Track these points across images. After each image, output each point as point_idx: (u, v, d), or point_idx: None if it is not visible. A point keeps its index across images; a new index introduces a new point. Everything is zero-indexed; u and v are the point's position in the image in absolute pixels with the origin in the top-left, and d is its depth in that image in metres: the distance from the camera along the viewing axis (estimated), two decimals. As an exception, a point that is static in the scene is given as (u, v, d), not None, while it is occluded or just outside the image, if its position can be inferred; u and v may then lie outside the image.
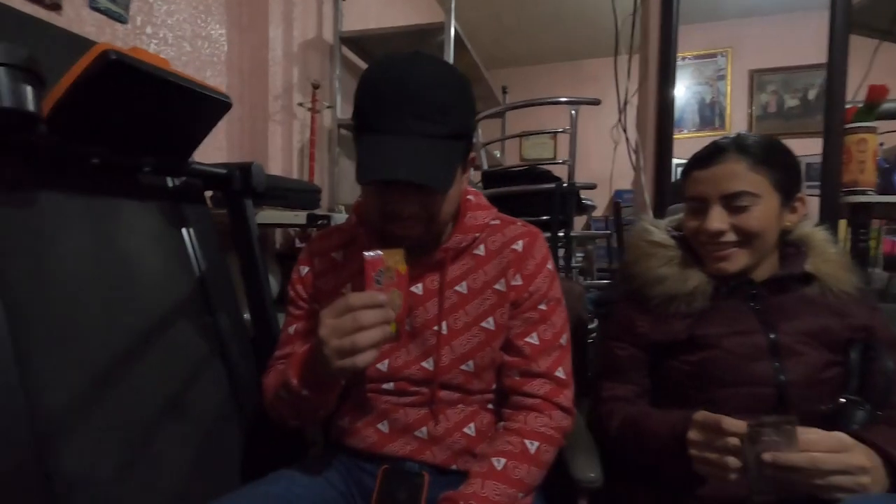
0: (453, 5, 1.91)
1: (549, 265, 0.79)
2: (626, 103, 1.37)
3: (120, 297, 0.87)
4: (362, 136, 0.66)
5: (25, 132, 0.69)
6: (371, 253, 0.61)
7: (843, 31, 0.97)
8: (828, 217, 0.83)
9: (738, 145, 0.75)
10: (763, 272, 0.79)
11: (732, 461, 0.58)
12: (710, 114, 4.16)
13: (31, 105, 0.66)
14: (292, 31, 1.85)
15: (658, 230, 0.86)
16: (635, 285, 0.84)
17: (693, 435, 0.63)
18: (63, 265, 0.79)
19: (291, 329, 0.84)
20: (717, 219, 0.75)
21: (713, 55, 4.13)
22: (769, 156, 0.74)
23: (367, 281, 0.61)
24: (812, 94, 3.90)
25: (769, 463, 0.56)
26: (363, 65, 2.33)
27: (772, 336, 0.73)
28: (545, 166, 1.48)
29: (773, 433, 0.56)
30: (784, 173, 0.75)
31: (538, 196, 1.35)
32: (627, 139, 1.41)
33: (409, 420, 0.75)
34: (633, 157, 1.39)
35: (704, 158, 0.77)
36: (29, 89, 0.66)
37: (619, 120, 1.41)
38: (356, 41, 2.17)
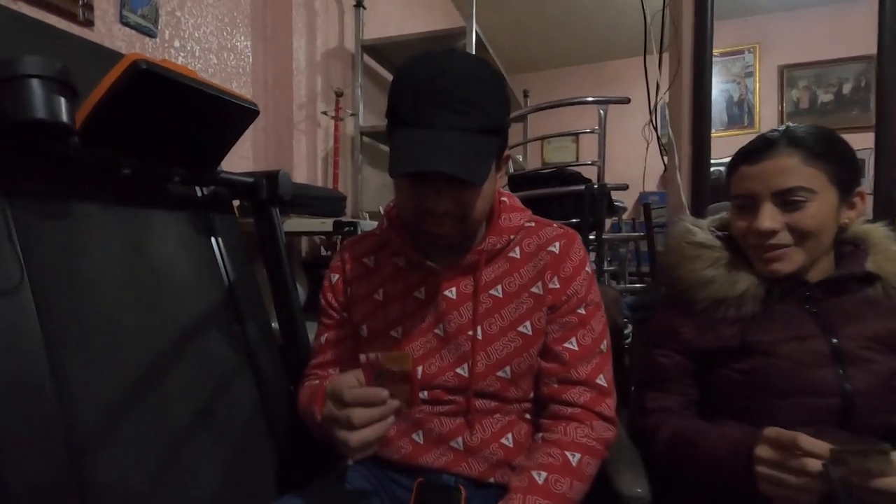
0: (474, 10, 1.90)
1: (588, 268, 0.75)
2: (657, 103, 1.33)
3: (150, 306, 0.87)
4: (396, 130, 0.64)
5: (59, 143, 0.70)
6: (369, 355, 0.58)
7: (893, 14, 0.91)
8: (883, 213, 0.77)
9: (789, 137, 0.70)
10: (818, 273, 0.74)
11: (810, 483, 0.53)
12: (738, 112, 4.05)
13: (64, 116, 0.66)
14: (315, 40, 1.86)
15: (701, 230, 0.82)
16: (678, 289, 0.79)
17: (762, 452, 0.58)
18: (95, 274, 0.80)
19: (323, 338, 0.83)
20: (769, 217, 0.70)
21: (740, 52, 4.02)
22: (824, 147, 0.69)
23: (366, 381, 0.59)
24: (847, 89, 3.75)
25: (859, 487, 0.51)
26: (385, 73, 2.33)
27: (834, 341, 0.68)
28: (574, 168, 1.45)
29: (862, 457, 0.51)
30: (841, 166, 0.70)
31: (568, 198, 1.31)
32: (659, 139, 1.36)
33: (443, 430, 0.72)
34: (667, 156, 1.34)
35: (753, 153, 0.73)
36: (62, 101, 0.66)
37: (651, 120, 1.36)
38: (378, 49, 2.17)
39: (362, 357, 0.58)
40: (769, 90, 3.98)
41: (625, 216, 3.95)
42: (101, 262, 0.81)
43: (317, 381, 0.79)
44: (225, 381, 0.96)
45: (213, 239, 1.05)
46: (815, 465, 0.52)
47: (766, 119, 3.98)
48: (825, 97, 3.84)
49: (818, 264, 0.74)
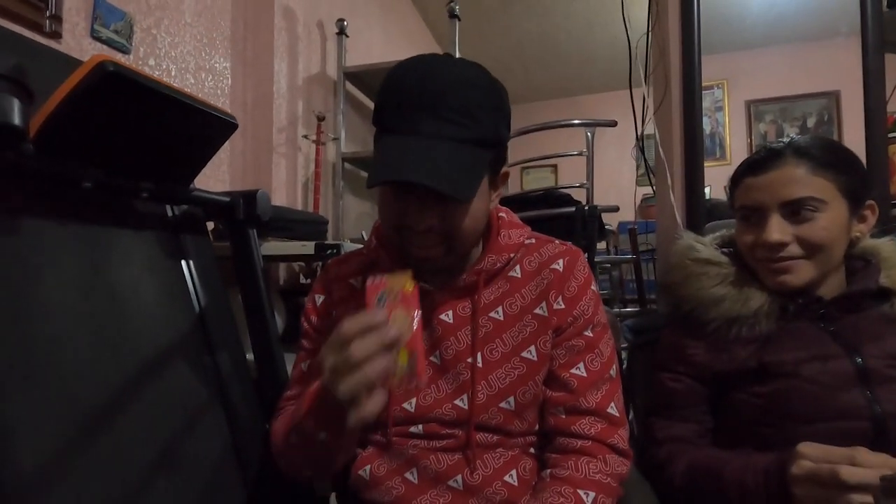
0: (457, 40, 1.91)
1: (593, 286, 0.70)
2: (644, 125, 1.33)
3: (110, 335, 0.78)
4: (380, 139, 0.59)
5: (9, 149, 0.62)
6: (374, 278, 0.53)
7: (877, 39, 0.93)
8: (881, 230, 0.76)
9: (794, 148, 0.68)
10: (829, 289, 0.71)
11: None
12: (710, 144, 4.18)
13: (15, 118, 0.59)
14: (297, 64, 1.83)
15: (706, 247, 0.78)
16: (686, 308, 0.75)
17: (800, 469, 0.52)
18: (46, 300, 0.71)
19: (304, 365, 0.75)
20: (777, 229, 0.67)
21: (710, 87, 4.19)
22: (832, 157, 0.67)
23: (367, 305, 0.52)
24: (811, 122, 3.93)
25: None
26: (367, 100, 2.32)
27: (858, 361, 0.64)
28: (563, 190, 1.43)
29: None
30: (850, 176, 0.68)
31: (558, 221, 1.29)
32: (647, 162, 1.35)
33: (440, 468, 0.65)
34: (655, 179, 1.33)
35: (759, 163, 0.70)
36: (14, 102, 0.59)
37: (638, 143, 1.36)
38: (360, 76, 2.16)
39: (368, 279, 0.53)
40: (738, 124, 4.14)
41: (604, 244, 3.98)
42: (54, 286, 0.72)
43: (294, 409, 0.71)
44: (192, 420, 0.86)
45: (183, 262, 0.97)
46: (863, 499, 0.47)
47: (737, 151, 4.12)
48: (791, 130, 4.01)
49: (829, 280, 0.71)
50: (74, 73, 0.65)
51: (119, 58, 1.22)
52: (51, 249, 0.73)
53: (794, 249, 0.67)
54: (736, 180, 0.74)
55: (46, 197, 0.73)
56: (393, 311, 0.51)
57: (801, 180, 0.66)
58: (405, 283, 0.52)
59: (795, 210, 0.67)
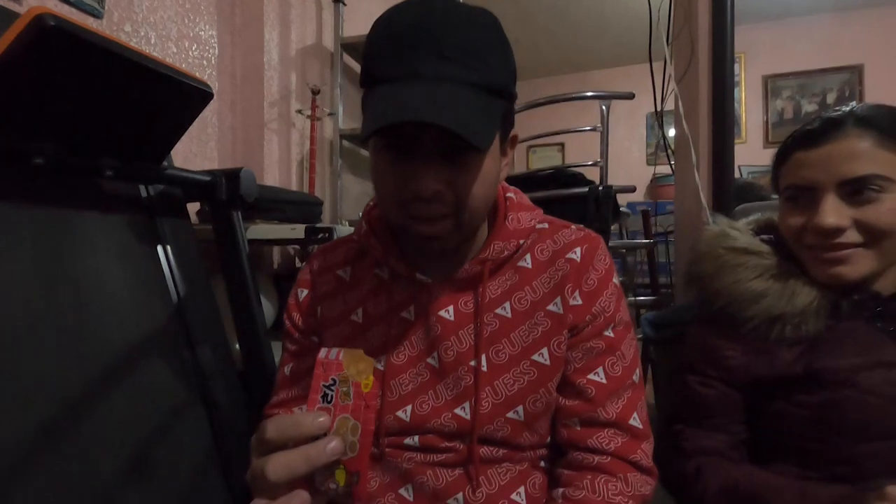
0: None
1: (615, 279, 0.61)
2: (664, 97, 1.22)
3: (73, 330, 0.70)
4: (371, 91, 0.49)
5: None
6: (329, 352, 0.42)
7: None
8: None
9: (857, 117, 0.58)
10: (888, 284, 0.61)
11: None
12: (724, 121, 4.02)
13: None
14: (290, 34, 1.71)
15: (742, 234, 0.69)
16: (719, 304, 0.66)
17: None
18: (-3, 292, 0.63)
19: (287, 369, 0.67)
20: (833, 212, 0.58)
21: (725, 61, 4.00)
22: None
23: (311, 391, 0.41)
24: (831, 98, 3.75)
25: None
26: (366, 73, 2.20)
27: (928, 369, 0.55)
28: (575, 168, 1.32)
29: None
30: None
31: (569, 202, 1.19)
32: (665, 138, 1.24)
33: (439, 484, 0.57)
34: (675, 157, 1.23)
35: (813, 135, 0.60)
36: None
37: (657, 117, 1.25)
38: (359, 48, 2.03)
39: (322, 352, 0.42)
40: (754, 100, 3.98)
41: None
42: (7, 277, 0.64)
43: None
44: (169, 421, 0.79)
45: (159, 247, 0.89)
46: None
47: (753, 128, 3.97)
48: (809, 107, 3.85)
49: (889, 273, 0.61)
50: (9, 29, 0.55)
51: (90, 23, 1.12)
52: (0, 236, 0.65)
53: (852, 236, 0.58)
54: (783, 155, 0.64)
55: (-12, 175, 0.64)
56: (340, 414, 0.40)
57: (865, 154, 0.56)
58: (365, 376, 0.41)
59: (857, 189, 0.57)
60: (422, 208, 0.50)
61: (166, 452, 0.77)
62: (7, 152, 0.62)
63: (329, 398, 0.40)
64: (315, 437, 0.39)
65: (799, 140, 0.62)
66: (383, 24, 0.49)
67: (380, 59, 0.49)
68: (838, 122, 0.58)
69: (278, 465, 0.38)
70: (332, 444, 0.38)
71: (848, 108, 0.60)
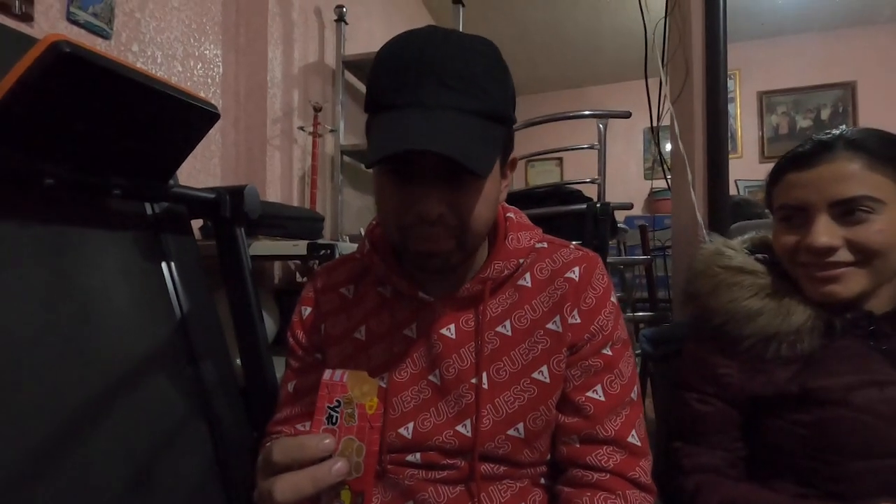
0: (461, 27, 1.82)
1: (613, 297, 0.62)
2: (660, 115, 1.24)
3: (79, 345, 0.71)
4: (375, 118, 0.51)
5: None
6: (333, 373, 0.43)
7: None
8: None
9: (847, 140, 0.60)
10: (881, 303, 0.63)
11: None
12: (720, 136, 4.06)
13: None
14: (292, 52, 1.75)
15: (737, 252, 0.70)
16: (716, 322, 0.67)
17: None
18: (6, 309, 0.64)
19: (290, 386, 0.67)
20: (825, 231, 0.59)
21: (721, 78, 4.06)
22: (891, 151, 0.59)
23: (316, 413, 0.42)
24: (826, 114, 3.80)
25: None
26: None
27: (920, 388, 0.56)
28: (573, 185, 1.34)
29: None
30: None
31: (567, 219, 1.20)
32: (661, 154, 1.27)
33: (440, 502, 0.58)
34: (671, 173, 1.25)
35: (805, 157, 0.62)
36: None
37: (653, 137, 1.27)
38: (360, 65, 2.07)
39: (325, 374, 0.43)
40: (749, 116, 4.02)
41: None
42: (15, 293, 0.65)
43: None
44: (171, 436, 0.79)
45: (164, 264, 0.90)
46: None
47: (748, 143, 4.01)
48: (804, 122, 3.89)
49: (881, 292, 0.63)
50: (26, 55, 0.57)
51: (98, 43, 1.14)
52: (7, 254, 0.66)
53: (845, 255, 0.59)
54: (776, 175, 0.65)
55: (2, 196, 0.66)
56: (344, 436, 0.41)
57: (855, 176, 0.58)
58: (369, 398, 0.42)
59: (848, 210, 0.58)
60: (425, 231, 0.52)
61: (168, 467, 0.77)
62: (19, 172, 0.64)
63: (334, 420, 0.41)
64: (321, 459, 0.40)
65: (791, 162, 0.63)
66: (387, 53, 0.51)
67: (384, 87, 0.50)
68: (829, 145, 0.60)
69: (285, 487, 0.38)
70: (338, 466, 0.40)
71: (838, 132, 0.62)
